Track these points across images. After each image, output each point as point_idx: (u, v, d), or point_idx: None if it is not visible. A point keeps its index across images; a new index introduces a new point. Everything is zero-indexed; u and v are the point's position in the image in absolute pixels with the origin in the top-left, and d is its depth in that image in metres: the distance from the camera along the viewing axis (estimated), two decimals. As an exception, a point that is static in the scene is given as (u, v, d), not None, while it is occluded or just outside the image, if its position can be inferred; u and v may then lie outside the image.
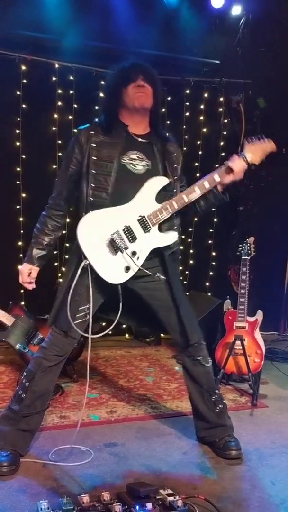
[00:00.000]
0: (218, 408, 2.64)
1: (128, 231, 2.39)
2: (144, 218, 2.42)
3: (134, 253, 2.40)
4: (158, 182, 2.46)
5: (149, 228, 2.43)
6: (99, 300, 2.48)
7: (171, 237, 2.50)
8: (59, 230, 2.58)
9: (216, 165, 4.75)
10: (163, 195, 2.47)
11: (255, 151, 2.54)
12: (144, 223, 2.42)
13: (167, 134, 2.66)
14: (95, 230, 2.37)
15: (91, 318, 2.42)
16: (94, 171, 2.41)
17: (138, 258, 2.41)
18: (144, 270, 2.42)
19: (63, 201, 2.54)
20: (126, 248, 2.38)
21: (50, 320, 2.51)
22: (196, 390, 2.65)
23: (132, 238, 2.40)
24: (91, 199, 2.40)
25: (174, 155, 2.58)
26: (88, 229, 2.37)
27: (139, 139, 2.50)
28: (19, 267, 2.58)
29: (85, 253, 2.36)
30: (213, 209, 4.77)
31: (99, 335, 2.52)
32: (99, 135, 2.46)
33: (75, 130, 4.29)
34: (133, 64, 2.48)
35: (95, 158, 2.41)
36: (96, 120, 2.56)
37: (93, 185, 2.41)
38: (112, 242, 2.37)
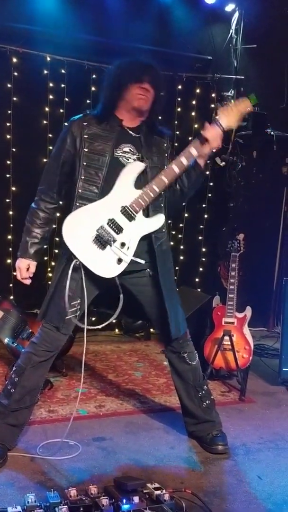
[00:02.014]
0: (205, 404, 2.65)
1: (113, 223, 2.37)
2: (126, 208, 2.39)
3: (123, 244, 2.38)
4: (134, 168, 2.43)
5: (134, 216, 2.40)
6: (93, 294, 2.47)
7: (158, 220, 2.47)
8: (51, 223, 2.56)
9: (207, 161, 4.84)
10: (144, 181, 2.44)
11: (229, 114, 2.48)
12: (127, 213, 2.39)
13: (160, 127, 2.61)
14: (80, 229, 2.35)
15: (86, 310, 2.40)
16: (85, 163, 2.39)
17: (128, 248, 2.39)
18: (138, 260, 2.40)
19: (55, 193, 2.51)
20: (114, 241, 2.37)
21: (40, 315, 2.50)
22: (183, 386, 2.66)
23: (118, 229, 2.38)
24: (80, 191, 2.39)
25: (165, 145, 2.57)
26: (72, 230, 2.35)
27: (132, 133, 2.49)
28: (17, 263, 2.53)
29: (75, 254, 2.35)
30: (204, 205, 4.81)
31: (94, 327, 2.48)
32: (92, 126, 2.43)
33: (66, 124, 4.29)
34: (144, 64, 2.43)
35: (86, 150, 2.39)
36: (89, 111, 2.53)
37: (83, 177, 2.39)
38: (99, 237, 2.35)
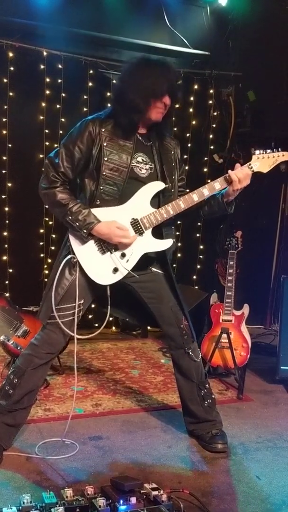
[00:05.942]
0: (206, 403, 2.63)
1: None
2: (136, 221, 2.37)
3: (123, 255, 2.37)
4: (154, 186, 2.41)
5: (142, 232, 2.38)
6: (89, 298, 2.45)
7: (165, 243, 2.44)
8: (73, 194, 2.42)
9: (205, 158, 4.82)
10: (161, 200, 2.43)
11: (264, 160, 2.49)
12: (136, 226, 2.37)
13: (167, 134, 2.57)
14: None
15: (76, 316, 2.38)
16: (104, 174, 2.33)
17: (127, 260, 2.37)
18: (133, 273, 2.38)
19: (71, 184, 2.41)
20: (115, 249, 2.35)
21: (39, 315, 2.47)
22: (186, 385, 2.63)
23: None
24: (98, 202, 2.35)
25: (172, 152, 2.53)
26: None
27: (143, 141, 2.45)
28: (102, 231, 2.31)
29: (74, 249, 2.35)
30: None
31: (91, 335, 2.55)
32: (110, 133, 2.35)
33: (63, 120, 4.27)
34: (166, 78, 2.33)
35: (106, 159, 2.33)
36: (103, 112, 2.42)
37: (101, 188, 2.34)
38: (101, 241, 2.34)
